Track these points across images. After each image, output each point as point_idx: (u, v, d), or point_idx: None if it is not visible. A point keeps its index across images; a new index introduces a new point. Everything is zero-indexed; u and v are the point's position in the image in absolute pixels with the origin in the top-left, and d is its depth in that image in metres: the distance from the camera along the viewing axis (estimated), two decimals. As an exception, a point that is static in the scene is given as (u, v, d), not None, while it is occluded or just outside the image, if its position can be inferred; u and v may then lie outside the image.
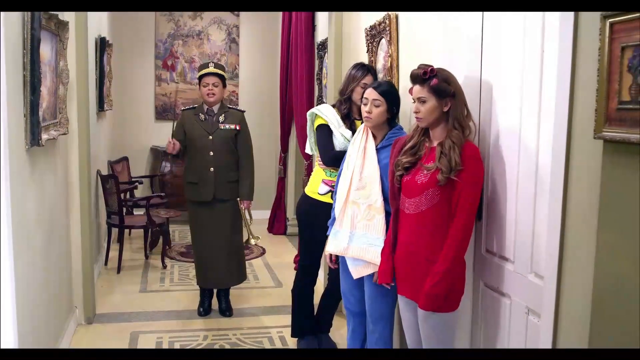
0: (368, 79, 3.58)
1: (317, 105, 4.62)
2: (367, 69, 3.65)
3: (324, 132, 3.68)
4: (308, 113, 3.85)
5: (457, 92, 2.56)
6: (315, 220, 3.73)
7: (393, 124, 3.21)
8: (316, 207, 3.73)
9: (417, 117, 2.62)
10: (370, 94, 3.11)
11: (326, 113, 3.70)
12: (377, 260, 2.97)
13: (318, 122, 3.72)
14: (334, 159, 3.62)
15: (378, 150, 3.14)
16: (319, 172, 3.77)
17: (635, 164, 1.64)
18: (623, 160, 1.69)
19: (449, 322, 2.62)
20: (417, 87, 2.60)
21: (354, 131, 3.54)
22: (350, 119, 3.67)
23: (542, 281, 2.23)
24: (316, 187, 3.75)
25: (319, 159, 3.78)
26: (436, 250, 2.54)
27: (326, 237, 3.69)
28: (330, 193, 3.63)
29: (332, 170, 3.67)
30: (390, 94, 3.11)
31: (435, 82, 2.53)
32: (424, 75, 2.54)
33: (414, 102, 2.62)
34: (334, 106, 3.75)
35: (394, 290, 2.88)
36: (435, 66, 2.60)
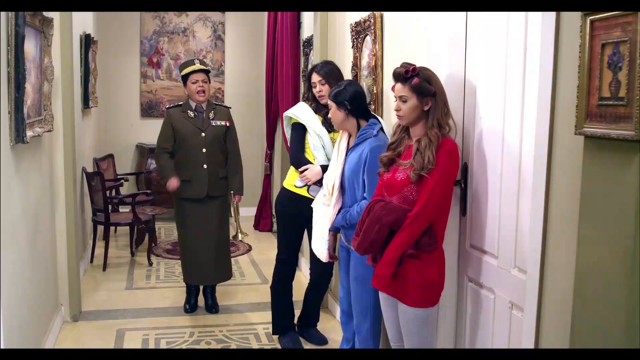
0: (312, 77, 3.68)
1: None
2: (315, 67, 3.73)
3: (296, 132, 3.76)
4: (284, 115, 3.92)
5: (438, 92, 2.57)
6: (290, 211, 3.83)
7: (369, 117, 3.20)
8: (292, 200, 3.79)
9: (398, 115, 2.63)
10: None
11: (299, 114, 3.75)
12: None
13: (293, 121, 3.79)
14: (299, 162, 3.71)
15: (352, 149, 3.15)
16: None
17: (615, 159, 1.67)
18: (603, 155, 1.72)
19: (429, 317, 2.63)
20: (398, 86, 2.60)
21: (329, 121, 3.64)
22: (321, 111, 3.69)
23: (525, 276, 2.26)
24: (293, 180, 3.79)
25: None
26: (418, 247, 2.55)
27: (303, 230, 3.81)
28: (306, 187, 3.69)
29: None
30: (335, 93, 3.16)
31: (417, 81, 2.53)
32: (406, 74, 2.55)
33: (396, 100, 2.63)
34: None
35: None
36: (419, 65, 2.61)
